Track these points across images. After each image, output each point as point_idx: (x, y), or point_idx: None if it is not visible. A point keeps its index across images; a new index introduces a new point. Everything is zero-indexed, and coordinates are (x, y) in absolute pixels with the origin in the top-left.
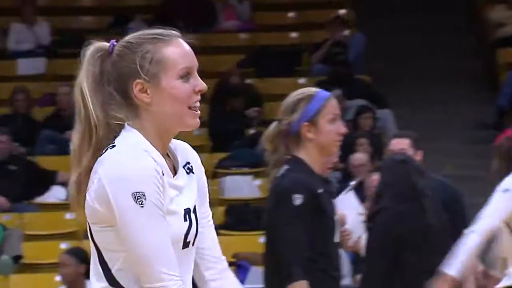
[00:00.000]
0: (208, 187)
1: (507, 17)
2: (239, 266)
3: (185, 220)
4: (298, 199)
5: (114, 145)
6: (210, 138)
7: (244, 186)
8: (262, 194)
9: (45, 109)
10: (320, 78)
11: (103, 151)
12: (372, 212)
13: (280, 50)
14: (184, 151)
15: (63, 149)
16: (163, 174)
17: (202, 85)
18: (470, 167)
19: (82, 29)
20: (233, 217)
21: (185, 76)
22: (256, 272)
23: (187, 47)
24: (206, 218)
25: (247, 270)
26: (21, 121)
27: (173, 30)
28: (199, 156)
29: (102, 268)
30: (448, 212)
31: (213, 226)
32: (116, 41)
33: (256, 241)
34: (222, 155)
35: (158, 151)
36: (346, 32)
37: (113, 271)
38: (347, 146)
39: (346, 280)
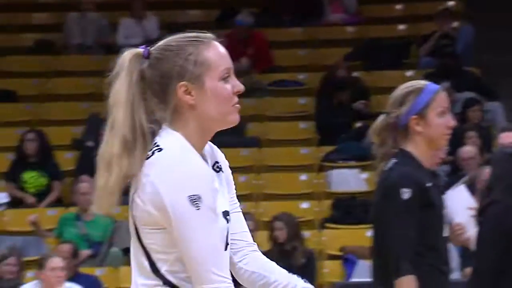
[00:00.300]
0: (314, 180)
1: None
2: (346, 259)
3: (227, 222)
4: (406, 193)
5: (161, 148)
6: (317, 131)
7: (351, 180)
8: (369, 187)
9: None
10: (428, 70)
11: (150, 154)
12: (483, 205)
13: (388, 43)
14: (211, 151)
15: None
16: None
17: (240, 86)
18: None
19: (190, 22)
20: (340, 211)
21: (226, 77)
22: (363, 266)
23: (223, 49)
24: (233, 205)
25: (354, 264)
26: None
27: (207, 32)
28: (306, 149)
29: (151, 269)
30: None
31: (241, 213)
32: (147, 46)
33: (363, 234)
34: (329, 148)
35: (198, 152)
36: (455, 24)
37: (162, 272)
38: (456, 139)
39: (455, 274)
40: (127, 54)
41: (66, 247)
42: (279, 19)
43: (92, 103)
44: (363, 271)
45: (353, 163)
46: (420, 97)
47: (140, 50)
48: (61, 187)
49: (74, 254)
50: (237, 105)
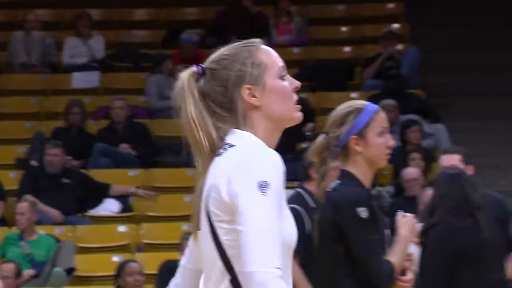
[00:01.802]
0: None
1: None
2: None
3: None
4: (363, 212)
5: (233, 145)
6: None
7: None
8: None
9: (99, 123)
10: (373, 92)
11: (222, 151)
12: (426, 226)
13: (333, 65)
14: None
15: (116, 162)
16: None
17: (297, 82)
18: None
19: (136, 43)
20: None
21: (283, 75)
22: None
23: (273, 50)
24: None
25: None
26: (75, 134)
27: (254, 39)
28: None
29: (226, 267)
30: (501, 228)
31: None
32: (199, 65)
33: None
34: None
35: None
36: (400, 46)
37: (235, 270)
38: (399, 161)
39: None
40: (183, 75)
41: (9, 267)
42: (225, 40)
43: (36, 122)
44: None
45: (296, 184)
46: (360, 117)
47: (194, 68)
48: (4, 207)
49: (17, 274)
50: (298, 105)
